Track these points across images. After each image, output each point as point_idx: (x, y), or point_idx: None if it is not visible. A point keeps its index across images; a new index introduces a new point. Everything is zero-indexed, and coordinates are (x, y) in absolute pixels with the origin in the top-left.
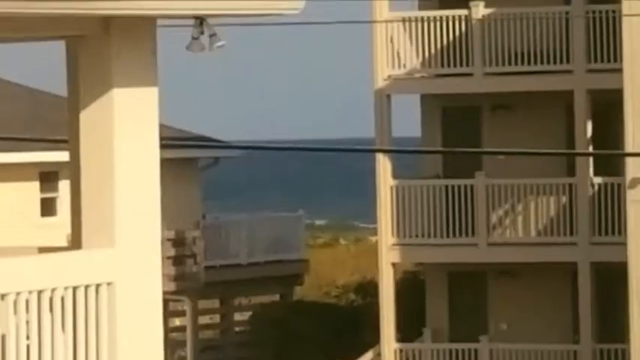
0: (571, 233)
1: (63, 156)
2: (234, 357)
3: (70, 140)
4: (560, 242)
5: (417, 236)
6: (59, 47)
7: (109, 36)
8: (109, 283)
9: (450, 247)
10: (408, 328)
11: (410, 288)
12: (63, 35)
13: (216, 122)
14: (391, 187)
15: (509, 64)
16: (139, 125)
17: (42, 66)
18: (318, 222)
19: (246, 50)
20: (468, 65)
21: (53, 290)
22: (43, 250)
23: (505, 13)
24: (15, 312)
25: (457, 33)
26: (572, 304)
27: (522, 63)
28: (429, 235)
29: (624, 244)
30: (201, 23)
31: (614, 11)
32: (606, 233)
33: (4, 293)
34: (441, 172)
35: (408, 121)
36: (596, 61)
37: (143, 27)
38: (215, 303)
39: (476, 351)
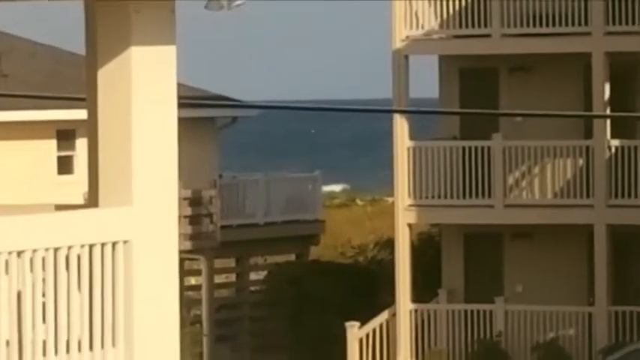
0: (587, 195)
1: (80, 114)
2: (249, 316)
3: (87, 98)
4: (577, 204)
5: (433, 197)
6: (78, 5)
7: None
8: (125, 242)
9: (467, 208)
10: (424, 289)
11: (426, 249)
12: None
13: (234, 82)
14: (408, 148)
15: (528, 25)
16: (157, 83)
17: (61, 24)
18: (332, 183)
19: (264, 10)
20: (486, 26)
21: (70, 248)
22: (59, 207)
23: None
24: (31, 269)
25: None
26: (587, 267)
27: (540, 25)
28: (446, 196)
29: None
30: None
31: None
32: (622, 196)
33: (20, 250)
34: (458, 133)
35: (426, 82)
36: (614, 23)
37: None
38: (231, 262)
39: (491, 312)
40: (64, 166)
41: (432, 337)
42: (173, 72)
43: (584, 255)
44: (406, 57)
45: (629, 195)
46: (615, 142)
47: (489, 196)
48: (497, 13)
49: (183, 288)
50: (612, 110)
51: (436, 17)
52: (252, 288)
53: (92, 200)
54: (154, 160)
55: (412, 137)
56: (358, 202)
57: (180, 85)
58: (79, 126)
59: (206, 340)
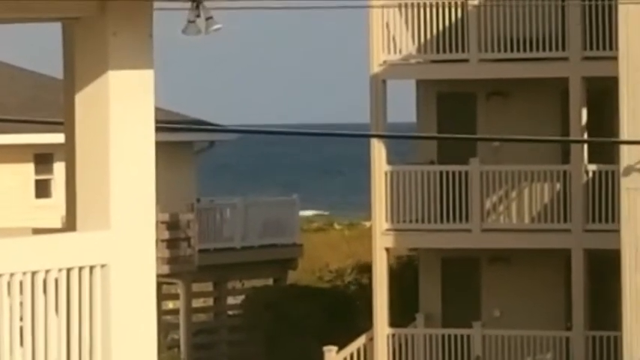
0: (565, 220)
1: (58, 138)
2: (227, 340)
3: (65, 122)
4: (554, 229)
5: (410, 221)
6: (56, 29)
7: (105, 18)
8: (103, 265)
9: (444, 232)
10: (401, 314)
11: (403, 273)
12: (59, 17)
13: (212, 106)
14: (385, 173)
15: (505, 50)
16: (135, 108)
17: (40, 48)
18: (311, 207)
19: (242, 34)
20: (463, 51)
21: (47, 272)
22: (37, 231)
23: None
24: (9, 293)
25: (453, 19)
26: (565, 291)
27: (518, 50)
28: (423, 221)
29: (617, 231)
30: (197, 6)
31: None
32: (600, 220)
33: None
34: (436, 158)
35: (403, 106)
36: (591, 48)
37: (140, 9)
38: (209, 286)
39: (468, 337)
40: (42, 189)
41: None
42: (151, 96)
43: (562, 279)
44: (384, 81)
45: (607, 220)
46: (592, 167)
47: (467, 220)
48: (475, 38)
49: (161, 312)
50: (589, 135)
51: (414, 42)
52: (230, 312)
53: (70, 224)
54: (131, 183)
55: (389, 162)
56: (336, 226)
57: (157, 109)
58: (57, 150)
59: None
